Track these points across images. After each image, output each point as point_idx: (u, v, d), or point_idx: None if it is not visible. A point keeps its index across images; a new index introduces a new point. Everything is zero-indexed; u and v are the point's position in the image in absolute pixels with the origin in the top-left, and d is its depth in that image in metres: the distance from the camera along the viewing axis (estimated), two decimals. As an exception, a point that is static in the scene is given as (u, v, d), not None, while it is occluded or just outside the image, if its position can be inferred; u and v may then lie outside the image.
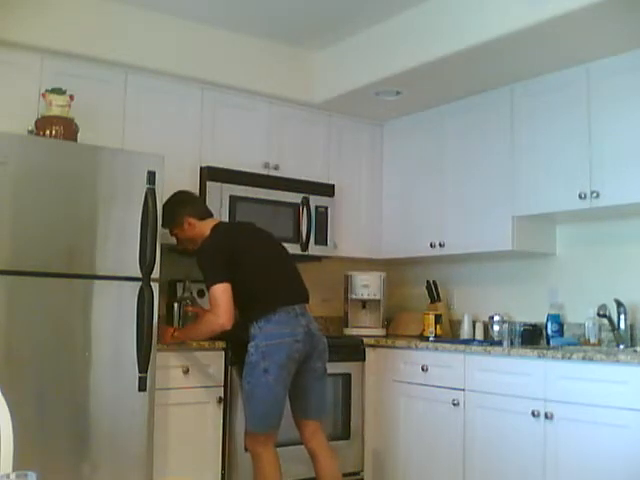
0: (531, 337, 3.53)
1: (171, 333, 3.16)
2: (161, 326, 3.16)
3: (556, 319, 3.56)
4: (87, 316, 2.83)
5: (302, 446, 3.08)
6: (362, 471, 3.71)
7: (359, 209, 4.27)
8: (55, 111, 2.96)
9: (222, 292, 2.87)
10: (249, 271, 2.98)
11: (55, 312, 2.77)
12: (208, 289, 2.92)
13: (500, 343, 3.41)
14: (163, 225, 3.11)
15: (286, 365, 2.87)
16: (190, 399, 3.17)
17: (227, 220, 3.52)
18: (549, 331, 3.53)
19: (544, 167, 3.42)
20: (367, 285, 4.15)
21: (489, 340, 3.61)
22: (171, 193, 3.21)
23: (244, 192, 3.65)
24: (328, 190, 4.01)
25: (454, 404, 3.31)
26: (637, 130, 3.06)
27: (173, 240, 3.46)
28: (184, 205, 3.18)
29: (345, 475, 3.48)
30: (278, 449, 2.97)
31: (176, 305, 3.51)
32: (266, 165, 3.85)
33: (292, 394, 3.01)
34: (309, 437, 3.06)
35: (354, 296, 4.17)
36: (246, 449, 3.19)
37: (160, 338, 3.08)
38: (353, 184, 4.24)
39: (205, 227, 3.10)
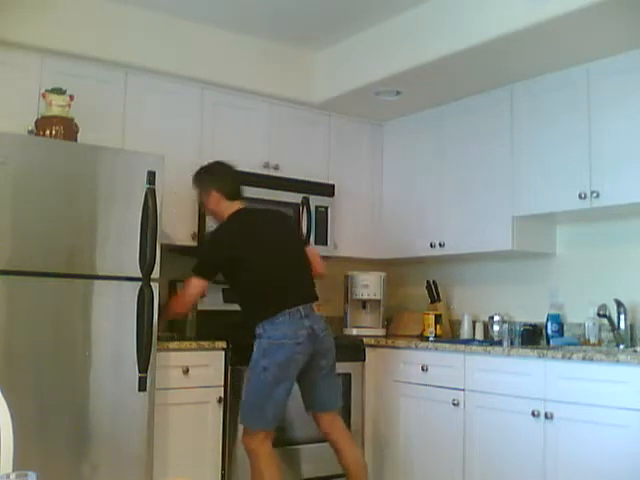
0: (531, 337, 3.52)
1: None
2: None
3: (556, 319, 3.56)
4: (87, 316, 2.83)
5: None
6: (362, 471, 3.71)
7: (359, 209, 4.26)
8: (55, 111, 2.95)
9: (194, 286, 3.03)
10: (255, 273, 2.99)
11: (55, 312, 2.77)
12: (191, 272, 3.02)
13: (500, 343, 3.41)
14: (194, 185, 3.21)
15: (285, 365, 2.88)
16: (190, 399, 3.17)
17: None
18: (549, 331, 3.53)
19: (544, 167, 3.42)
20: (367, 285, 4.14)
21: (489, 340, 3.60)
22: (171, 193, 3.21)
23: (244, 192, 3.64)
24: (328, 190, 4.01)
25: (454, 404, 3.31)
26: (637, 130, 3.06)
27: (173, 240, 3.47)
28: (214, 177, 3.16)
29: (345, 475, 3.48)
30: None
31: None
32: (266, 165, 3.84)
33: (302, 390, 3.07)
34: (327, 429, 3.11)
35: (354, 296, 4.16)
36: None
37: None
38: (353, 184, 4.24)
39: (227, 209, 3.10)
